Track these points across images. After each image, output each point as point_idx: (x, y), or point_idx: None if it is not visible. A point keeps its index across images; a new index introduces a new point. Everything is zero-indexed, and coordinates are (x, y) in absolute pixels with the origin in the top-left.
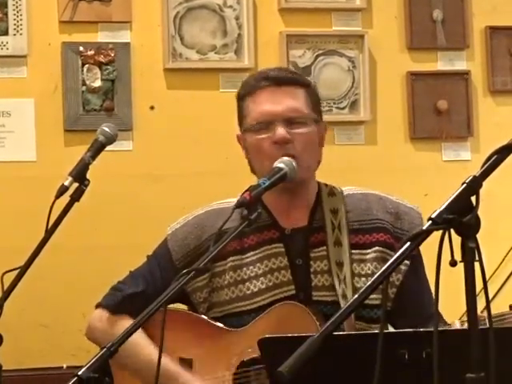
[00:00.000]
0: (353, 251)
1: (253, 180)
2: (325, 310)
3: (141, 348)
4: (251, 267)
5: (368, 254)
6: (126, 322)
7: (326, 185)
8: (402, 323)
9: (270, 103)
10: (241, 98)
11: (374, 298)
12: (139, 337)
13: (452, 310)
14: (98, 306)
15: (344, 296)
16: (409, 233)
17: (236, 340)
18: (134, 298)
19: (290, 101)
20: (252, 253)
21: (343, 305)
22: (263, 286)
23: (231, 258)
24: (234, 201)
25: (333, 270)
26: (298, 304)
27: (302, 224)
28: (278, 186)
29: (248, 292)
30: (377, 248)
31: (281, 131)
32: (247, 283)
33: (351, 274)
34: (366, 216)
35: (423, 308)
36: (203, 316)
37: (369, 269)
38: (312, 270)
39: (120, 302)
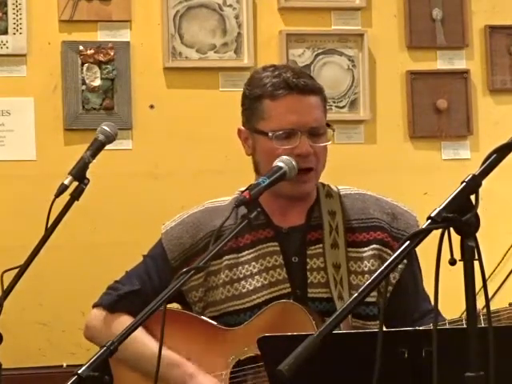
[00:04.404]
0: (349, 249)
1: (252, 179)
2: (320, 307)
3: (142, 343)
4: (246, 266)
5: (365, 252)
6: (124, 320)
7: (324, 185)
8: (399, 320)
9: (294, 113)
10: (256, 98)
11: (370, 296)
12: (139, 332)
13: (451, 309)
14: (94, 305)
15: (340, 298)
16: (405, 232)
17: (232, 339)
18: (131, 296)
19: (314, 112)
20: (247, 252)
21: (339, 307)
22: (259, 285)
23: (227, 257)
24: (227, 199)
25: (329, 271)
26: (293, 303)
27: (299, 222)
28: (279, 193)
29: (244, 290)
30: (374, 246)
31: (306, 145)
32: (243, 282)
33: (347, 272)
34: (363, 215)
35: (419, 304)
36: (199, 315)
37: (365, 266)
38: (308, 267)
39: (116, 300)
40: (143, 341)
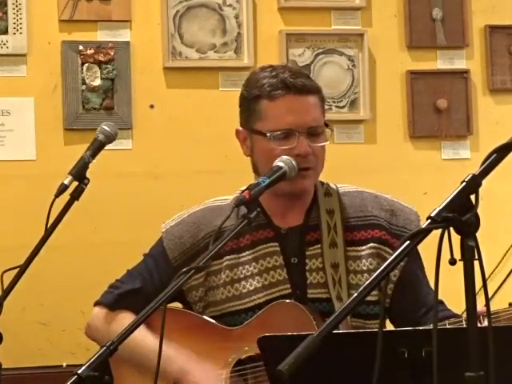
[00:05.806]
0: (348, 248)
1: (252, 179)
2: (320, 308)
3: (142, 340)
4: (247, 266)
5: (363, 250)
6: (125, 318)
7: (322, 183)
8: (406, 317)
9: (292, 113)
10: (254, 98)
11: (371, 295)
12: (140, 329)
13: (451, 309)
14: (96, 304)
15: (339, 298)
16: (404, 228)
17: (233, 338)
18: (132, 294)
19: (311, 111)
20: (247, 252)
21: (337, 307)
22: (259, 285)
23: (227, 257)
24: (228, 198)
25: (327, 271)
26: (294, 302)
27: (297, 223)
28: (279, 191)
29: (244, 291)
30: (372, 244)
31: (304, 145)
32: (243, 282)
33: (346, 272)
34: (361, 213)
35: (425, 299)
36: (200, 314)
37: (364, 265)
38: (307, 267)
39: (117, 298)
40: (144, 338)
